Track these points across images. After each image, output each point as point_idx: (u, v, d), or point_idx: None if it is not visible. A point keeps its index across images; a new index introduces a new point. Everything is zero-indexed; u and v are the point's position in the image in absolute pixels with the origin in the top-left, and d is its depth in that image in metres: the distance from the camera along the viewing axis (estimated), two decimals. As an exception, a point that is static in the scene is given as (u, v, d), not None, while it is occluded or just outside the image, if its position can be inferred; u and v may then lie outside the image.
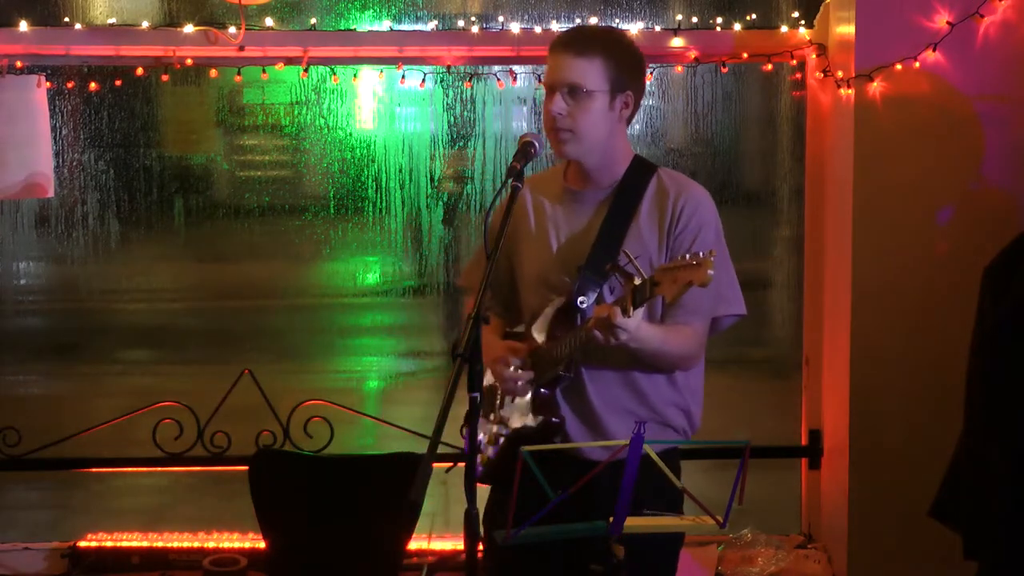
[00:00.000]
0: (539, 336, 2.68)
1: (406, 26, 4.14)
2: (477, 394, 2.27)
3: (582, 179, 2.74)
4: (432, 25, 4.11)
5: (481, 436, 2.74)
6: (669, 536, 2.70)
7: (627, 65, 2.69)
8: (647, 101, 4.32)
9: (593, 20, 4.07)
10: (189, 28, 3.95)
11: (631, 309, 2.41)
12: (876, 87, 3.71)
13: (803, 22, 4.02)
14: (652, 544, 2.48)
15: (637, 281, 2.40)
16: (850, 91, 3.75)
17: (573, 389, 2.68)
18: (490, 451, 2.72)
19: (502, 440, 2.71)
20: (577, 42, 2.66)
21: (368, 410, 4.27)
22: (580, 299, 2.63)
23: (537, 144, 2.61)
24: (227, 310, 4.61)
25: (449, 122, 4.30)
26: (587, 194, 2.74)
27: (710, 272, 2.29)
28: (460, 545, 2.43)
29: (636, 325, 2.44)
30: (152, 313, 4.55)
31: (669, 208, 2.68)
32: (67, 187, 4.29)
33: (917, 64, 3.69)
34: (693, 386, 2.77)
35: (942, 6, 3.67)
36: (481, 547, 2.33)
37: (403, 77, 4.03)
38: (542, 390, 2.66)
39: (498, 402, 2.74)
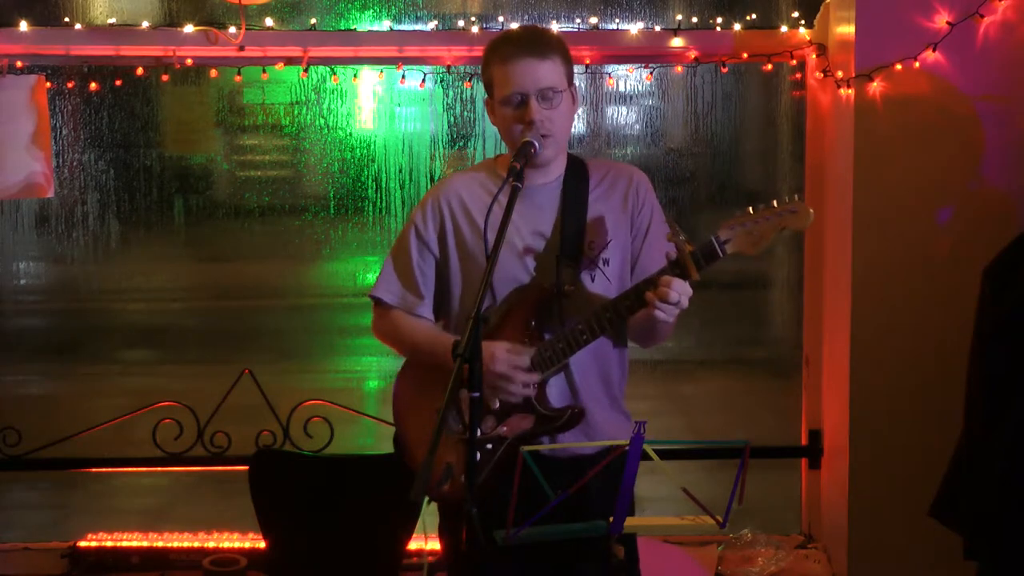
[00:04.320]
0: (517, 332, 2.67)
1: (406, 26, 4.14)
2: (477, 394, 2.27)
3: (533, 174, 2.72)
4: (432, 25, 4.11)
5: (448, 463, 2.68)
6: None
7: (569, 58, 2.73)
8: (647, 101, 4.33)
9: (593, 20, 4.07)
10: (189, 28, 3.95)
11: (696, 273, 2.48)
12: (876, 87, 3.71)
13: (803, 22, 4.02)
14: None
15: (691, 247, 2.47)
16: (850, 91, 3.75)
17: (558, 381, 2.69)
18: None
19: (487, 455, 2.66)
20: (537, 45, 2.67)
21: (368, 410, 4.27)
22: (568, 286, 2.64)
23: (537, 144, 2.61)
24: (227, 310, 4.60)
25: (449, 122, 4.30)
26: (537, 188, 2.73)
27: (811, 214, 2.45)
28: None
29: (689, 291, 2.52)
30: (152, 313, 4.55)
31: (631, 192, 2.75)
32: (67, 187, 4.29)
33: (917, 64, 3.69)
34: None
35: (942, 6, 3.67)
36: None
37: (403, 77, 4.03)
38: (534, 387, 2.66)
39: (461, 424, 2.67)
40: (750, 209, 2.51)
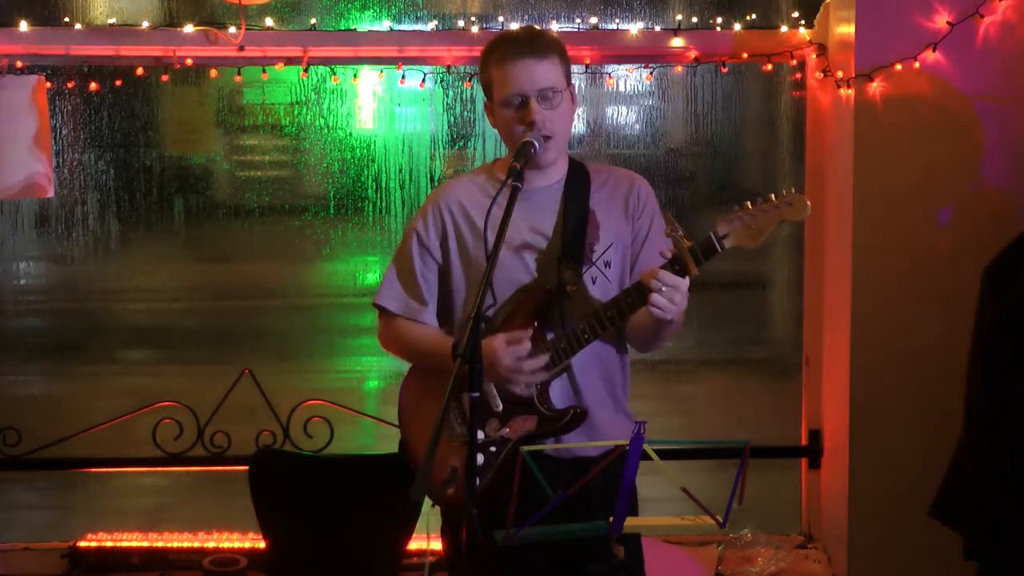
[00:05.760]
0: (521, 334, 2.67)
1: (406, 26, 4.14)
2: (477, 394, 2.27)
3: (534, 177, 2.72)
4: (432, 25, 4.11)
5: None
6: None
7: (567, 58, 2.73)
8: (647, 101, 4.32)
9: (593, 20, 4.07)
10: (189, 28, 3.95)
11: (695, 268, 2.47)
12: (876, 87, 3.71)
13: (803, 22, 4.02)
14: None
15: (689, 242, 2.47)
16: (850, 91, 3.75)
17: (561, 382, 2.69)
18: (450, 490, 2.55)
19: (491, 458, 2.66)
20: (535, 45, 2.66)
21: (368, 410, 4.27)
22: (570, 287, 2.64)
23: (537, 144, 2.61)
24: (227, 310, 4.60)
25: (449, 122, 4.30)
26: (539, 190, 2.73)
27: (808, 205, 2.46)
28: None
29: (687, 286, 2.50)
30: (152, 313, 4.55)
31: (632, 196, 2.75)
32: (67, 187, 4.29)
33: (917, 64, 3.69)
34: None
35: (942, 6, 3.68)
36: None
37: (403, 77, 4.03)
38: (538, 386, 2.65)
39: (458, 431, 2.67)
40: (748, 203, 2.52)
